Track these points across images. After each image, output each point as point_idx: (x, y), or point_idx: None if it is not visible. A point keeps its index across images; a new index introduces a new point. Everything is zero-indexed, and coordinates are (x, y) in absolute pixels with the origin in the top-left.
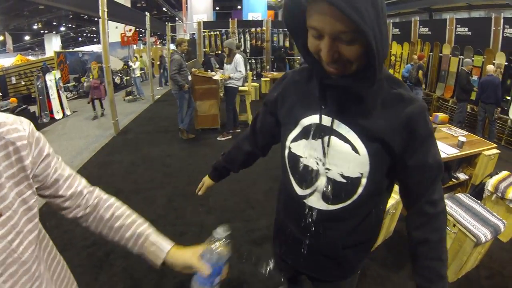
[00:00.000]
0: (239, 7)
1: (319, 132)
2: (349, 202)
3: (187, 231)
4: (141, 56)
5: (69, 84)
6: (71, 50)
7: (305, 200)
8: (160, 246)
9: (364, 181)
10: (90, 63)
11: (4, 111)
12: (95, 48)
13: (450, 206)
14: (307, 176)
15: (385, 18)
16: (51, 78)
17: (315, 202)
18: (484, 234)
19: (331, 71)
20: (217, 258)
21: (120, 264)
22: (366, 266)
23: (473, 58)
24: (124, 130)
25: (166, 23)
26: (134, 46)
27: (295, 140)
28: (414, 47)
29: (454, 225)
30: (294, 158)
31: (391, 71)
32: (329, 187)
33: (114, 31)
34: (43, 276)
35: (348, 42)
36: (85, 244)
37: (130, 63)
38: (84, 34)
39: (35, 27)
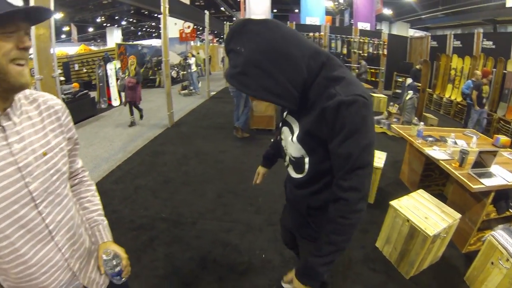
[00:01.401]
0: (296, 10)
1: (283, 123)
2: (304, 173)
3: (234, 229)
4: (198, 53)
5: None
6: (131, 42)
7: (288, 168)
8: (99, 236)
9: (306, 159)
10: (149, 56)
11: (67, 94)
12: (154, 42)
13: (506, 239)
14: (284, 154)
15: (282, 63)
16: (112, 68)
17: (291, 171)
18: None
19: None
20: (111, 267)
21: (163, 251)
22: None
23: None
24: (178, 123)
25: (224, 22)
26: (192, 43)
27: (281, 126)
28: (476, 61)
29: (508, 260)
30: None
31: (449, 86)
32: (291, 162)
33: (173, 27)
34: (73, 211)
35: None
36: (132, 227)
37: (188, 60)
38: (144, 29)
39: (98, 20)
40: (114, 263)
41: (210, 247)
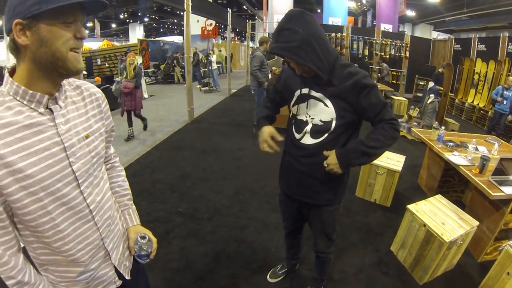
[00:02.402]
0: (319, 10)
1: (304, 98)
2: (326, 135)
3: (249, 226)
4: (220, 50)
5: (149, 70)
6: (153, 39)
7: (301, 141)
8: (129, 219)
9: (333, 122)
10: (171, 52)
11: None
12: (176, 39)
13: None
14: (302, 125)
15: (322, 48)
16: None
17: (307, 140)
18: None
19: (303, 74)
20: (141, 250)
21: (178, 244)
22: None
23: None
24: (198, 119)
25: (247, 20)
26: (213, 40)
27: (293, 105)
28: (501, 66)
29: None
30: (294, 117)
31: (472, 91)
32: (313, 128)
33: (195, 24)
34: (109, 193)
35: (299, 64)
36: (148, 219)
37: (209, 57)
38: (166, 26)
39: (121, 16)
40: (147, 246)
41: (224, 243)
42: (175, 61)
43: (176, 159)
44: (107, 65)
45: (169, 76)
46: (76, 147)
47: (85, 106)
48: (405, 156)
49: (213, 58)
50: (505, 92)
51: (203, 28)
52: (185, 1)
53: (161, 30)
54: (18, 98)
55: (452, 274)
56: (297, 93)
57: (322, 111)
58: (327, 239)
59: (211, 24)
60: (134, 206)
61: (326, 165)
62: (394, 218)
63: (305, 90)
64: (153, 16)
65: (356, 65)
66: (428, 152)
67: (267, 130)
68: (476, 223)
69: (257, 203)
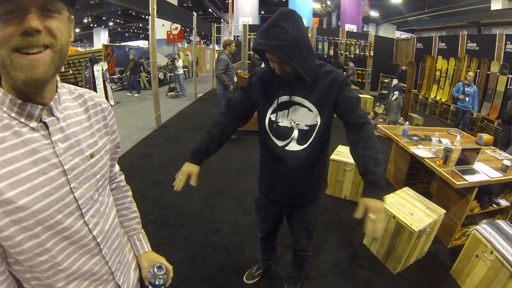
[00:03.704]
0: None
1: (286, 105)
2: (311, 139)
3: (222, 229)
4: (186, 55)
5: (114, 76)
6: (118, 44)
7: (286, 148)
8: (140, 245)
9: (318, 124)
10: (136, 57)
11: None
12: (141, 43)
13: (489, 232)
14: (286, 132)
15: (308, 49)
16: (99, 69)
17: (293, 146)
18: None
19: (282, 76)
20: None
21: (154, 251)
22: (397, 286)
23: None
24: (165, 125)
25: (212, 23)
26: (179, 44)
27: (273, 112)
28: (461, 63)
29: (492, 252)
30: (273, 124)
31: (435, 86)
32: (300, 134)
33: (161, 28)
34: (116, 220)
35: (283, 64)
36: None
37: (175, 62)
38: (131, 30)
39: (85, 20)
40: (165, 276)
41: (199, 247)
42: (141, 67)
43: (145, 166)
44: (71, 72)
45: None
46: (79, 169)
47: (89, 119)
48: None
49: (179, 63)
50: (466, 88)
51: (169, 32)
52: (150, 5)
53: (126, 34)
54: (4, 109)
55: (424, 261)
56: (277, 100)
57: (306, 116)
58: (309, 237)
59: (176, 28)
60: (143, 231)
61: (373, 217)
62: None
63: (285, 98)
64: (118, 21)
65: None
66: (395, 147)
67: (189, 169)
68: (443, 211)
69: (228, 206)
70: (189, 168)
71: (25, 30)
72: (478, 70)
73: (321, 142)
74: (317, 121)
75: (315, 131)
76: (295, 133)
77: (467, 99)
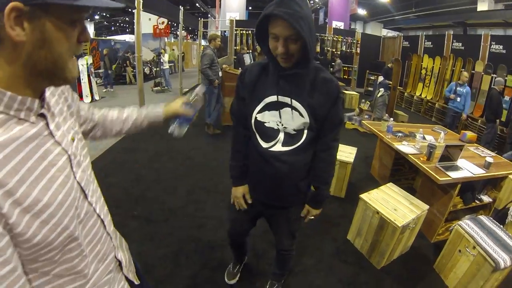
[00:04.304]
0: None
1: (276, 106)
2: (298, 144)
3: (206, 224)
4: (172, 49)
5: (99, 71)
6: (104, 37)
7: (270, 149)
8: (156, 109)
9: (305, 131)
10: (122, 52)
11: None
12: (127, 37)
13: (472, 228)
14: (271, 134)
15: (314, 34)
16: (83, 63)
17: (276, 148)
18: (504, 260)
19: (282, 62)
20: (195, 106)
21: (135, 249)
22: (381, 280)
23: (506, 78)
24: None
25: (199, 18)
26: (166, 39)
27: (260, 112)
28: (446, 61)
29: (474, 247)
30: (260, 124)
31: (420, 84)
32: (286, 137)
33: (147, 22)
34: (99, 196)
35: (293, 41)
36: None
37: (161, 56)
38: (117, 24)
39: None
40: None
41: (182, 243)
42: (126, 61)
43: (129, 161)
44: None
45: (120, 76)
46: (75, 153)
47: (59, 104)
48: (357, 148)
49: (165, 57)
50: (458, 88)
51: (155, 27)
52: None
53: (113, 28)
54: (1, 109)
55: (408, 256)
56: (268, 99)
57: (297, 120)
58: (292, 238)
59: (163, 23)
60: (147, 107)
61: (312, 217)
62: (349, 208)
63: (275, 98)
64: (104, 14)
65: (317, 62)
66: (379, 143)
67: (241, 191)
68: (426, 207)
69: (212, 201)
70: (240, 191)
71: (85, 40)
72: (463, 69)
73: (308, 146)
74: (305, 127)
75: (303, 137)
76: (281, 136)
77: (458, 99)
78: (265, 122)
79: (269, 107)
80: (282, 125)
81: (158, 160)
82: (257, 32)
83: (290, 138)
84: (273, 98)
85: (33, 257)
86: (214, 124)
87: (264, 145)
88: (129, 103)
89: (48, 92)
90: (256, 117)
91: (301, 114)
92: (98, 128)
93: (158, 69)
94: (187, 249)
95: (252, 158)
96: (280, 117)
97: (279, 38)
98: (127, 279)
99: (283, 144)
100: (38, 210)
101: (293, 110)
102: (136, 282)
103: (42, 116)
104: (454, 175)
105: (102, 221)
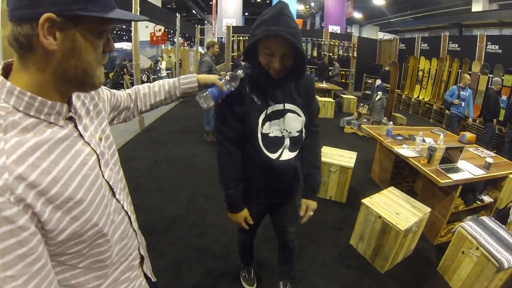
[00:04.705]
0: None
1: (276, 114)
2: (300, 144)
3: (207, 232)
4: (169, 57)
5: None
6: None
7: (280, 159)
8: (190, 78)
9: (303, 129)
10: (119, 60)
11: None
12: (124, 45)
13: (475, 229)
14: (277, 142)
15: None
16: None
17: (286, 156)
18: (508, 259)
19: (275, 74)
20: (230, 86)
21: None
22: (385, 285)
23: (503, 77)
24: (149, 128)
25: (196, 25)
26: (163, 46)
27: (262, 124)
28: (443, 63)
29: (477, 248)
30: (265, 136)
31: (417, 86)
32: (291, 142)
33: (144, 30)
34: (127, 194)
35: (288, 56)
36: None
37: (159, 64)
38: (114, 32)
39: None
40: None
41: (184, 253)
42: (124, 69)
43: (128, 170)
44: None
45: (118, 84)
46: (103, 152)
47: (84, 104)
48: (357, 153)
49: (163, 65)
50: (461, 92)
51: (152, 34)
52: (133, 6)
53: (110, 36)
54: (32, 114)
55: (411, 259)
56: (268, 110)
57: (296, 122)
58: (295, 223)
59: (160, 30)
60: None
61: (311, 214)
62: (350, 213)
63: (278, 106)
64: None
65: (315, 67)
66: (379, 147)
67: (241, 216)
68: (428, 209)
69: (213, 208)
70: (242, 215)
71: (110, 51)
72: (460, 70)
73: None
74: (302, 125)
75: (303, 136)
76: (287, 142)
77: (463, 104)
78: (269, 133)
79: (270, 117)
80: (287, 131)
81: (157, 168)
82: (248, 49)
83: (295, 142)
84: (271, 108)
85: (61, 249)
86: (213, 131)
87: (272, 156)
88: None
89: (74, 95)
90: (261, 130)
91: (299, 114)
92: (134, 105)
93: (155, 76)
94: (190, 258)
95: (255, 172)
96: (284, 123)
97: (275, 54)
98: (145, 275)
99: (290, 149)
100: (69, 207)
101: (292, 113)
102: (154, 279)
103: (70, 119)
104: (455, 177)
105: (129, 218)
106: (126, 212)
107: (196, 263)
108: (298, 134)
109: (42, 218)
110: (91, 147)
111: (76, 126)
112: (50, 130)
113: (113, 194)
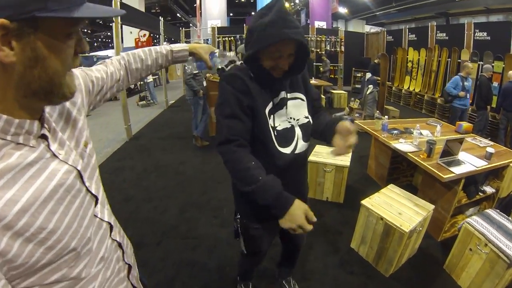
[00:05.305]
0: (253, 13)
1: (281, 104)
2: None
3: (200, 245)
4: None
5: None
6: (86, 54)
7: (296, 152)
8: (182, 47)
9: (309, 115)
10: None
11: None
12: (110, 53)
13: (481, 224)
14: (289, 134)
15: None
16: None
17: (300, 147)
18: None
19: (278, 74)
20: (216, 62)
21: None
22: (390, 287)
23: (493, 64)
24: (136, 136)
25: (180, 28)
26: None
27: (269, 116)
28: (432, 53)
29: (486, 245)
30: (273, 130)
31: (407, 77)
32: (303, 129)
33: (129, 36)
34: (106, 202)
35: (292, 55)
36: None
37: None
38: (99, 39)
39: None
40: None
41: (177, 268)
42: None
43: (117, 181)
44: None
45: None
46: (85, 165)
47: (62, 114)
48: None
49: None
50: (465, 83)
51: (137, 40)
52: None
53: (95, 44)
54: None
55: (416, 258)
56: (273, 101)
57: (301, 107)
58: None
59: (144, 35)
60: (170, 45)
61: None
62: (349, 213)
63: (282, 94)
64: (85, 30)
65: None
66: (374, 142)
67: (302, 209)
68: (432, 207)
69: (205, 218)
70: (299, 209)
71: (82, 51)
72: (449, 59)
73: None
74: (308, 109)
75: (310, 120)
76: (298, 131)
77: (468, 96)
78: (277, 127)
79: (275, 108)
80: (294, 118)
81: (146, 177)
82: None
83: (305, 129)
84: (276, 99)
85: (29, 272)
86: (202, 136)
87: (286, 150)
88: (116, 119)
89: (48, 107)
90: (270, 124)
91: (302, 99)
92: (125, 77)
93: (142, 83)
94: (183, 274)
95: (273, 171)
96: (289, 111)
97: (284, 55)
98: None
99: (304, 139)
100: (42, 238)
101: (295, 100)
102: None
103: (44, 136)
104: (457, 170)
105: (111, 228)
106: (108, 222)
107: (190, 279)
108: (306, 120)
109: (9, 255)
110: (70, 164)
111: (49, 146)
112: (18, 154)
113: (96, 204)
